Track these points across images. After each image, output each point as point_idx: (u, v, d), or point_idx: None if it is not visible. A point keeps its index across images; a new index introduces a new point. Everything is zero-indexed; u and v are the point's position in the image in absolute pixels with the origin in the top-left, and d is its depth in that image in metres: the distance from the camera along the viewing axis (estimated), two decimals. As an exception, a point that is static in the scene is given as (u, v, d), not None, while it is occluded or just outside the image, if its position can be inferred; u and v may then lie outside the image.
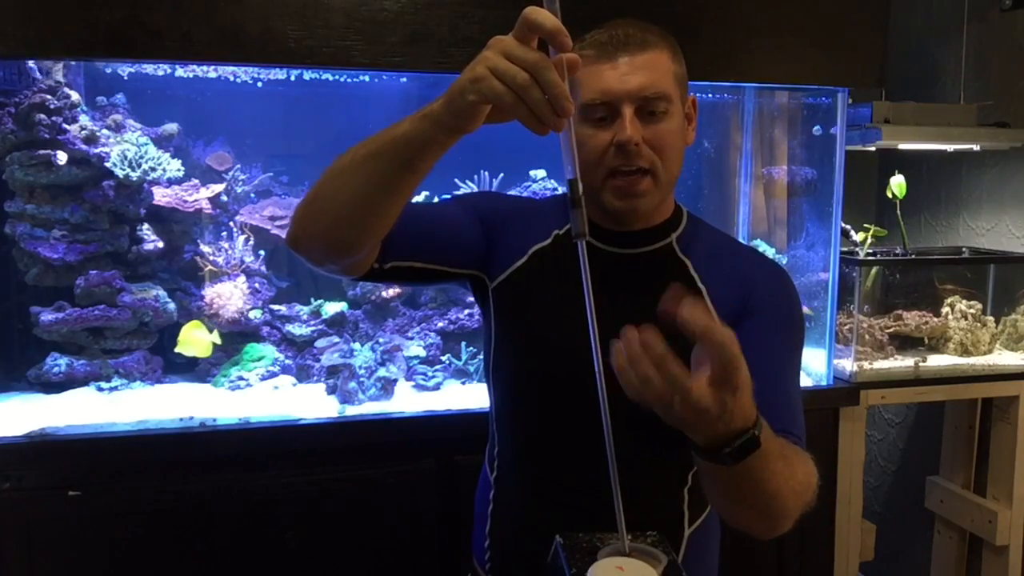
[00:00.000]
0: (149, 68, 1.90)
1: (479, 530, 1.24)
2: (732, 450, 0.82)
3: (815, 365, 2.09)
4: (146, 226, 1.96)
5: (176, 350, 1.94)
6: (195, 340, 1.93)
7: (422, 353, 2.03)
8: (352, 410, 1.79)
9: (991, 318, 2.25)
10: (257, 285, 2.06)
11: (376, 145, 0.91)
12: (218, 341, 1.96)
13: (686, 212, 1.20)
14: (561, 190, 1.97)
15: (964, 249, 2.41)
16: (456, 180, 2.12)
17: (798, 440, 1.02)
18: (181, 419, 1.68)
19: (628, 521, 1.15)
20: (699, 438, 0.81)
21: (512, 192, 2.18)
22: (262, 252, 2.08)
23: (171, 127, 2.02)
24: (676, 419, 0.78)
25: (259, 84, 1.95)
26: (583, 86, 1.05)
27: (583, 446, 1.11)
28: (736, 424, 0.80)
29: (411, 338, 2.08)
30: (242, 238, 2.05)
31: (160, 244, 1.96)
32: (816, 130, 2.14)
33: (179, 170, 1.96)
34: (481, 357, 2.02)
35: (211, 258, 2.01)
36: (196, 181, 2.04)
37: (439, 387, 1.96)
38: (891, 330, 2.21)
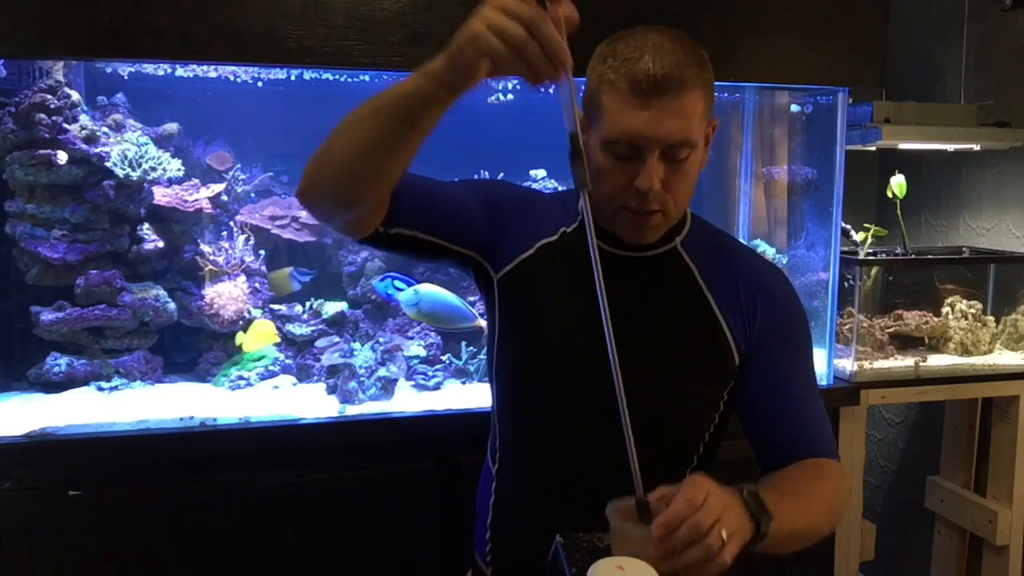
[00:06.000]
0: (149, 68, 1.90)
1: (480, 523, 1.25)
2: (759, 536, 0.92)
3: (815, 365, 2.08)
4: (146, 226, 1.95)
5: (245, 347, 1.96)
6: (261, 334, 1.95)
7: (422, 353, 2.03)
8: (352, 410, 1.79)
9: (991, 318, 2.25)
10: (257, 285, 2.06)
11: (380, 102, 0.95)
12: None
13: (689, 212, 1.20)
14: (561, 189, 1.97)
15: (964, 249, 2.41)
16: (456, 180, 2.12)
17: (828, 453, 1.11)
18: (181, 419, 1.68)
19: None
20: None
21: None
22: (262, 252, 2.08)
23: (171, 127, 2.02)
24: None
25: (259, 84, 1.95)
26: (609, 118, 1.02)
27: (584, 441, 1.12)
28: (734, 510, 0.88)
29: (411, 338, 2.08)
30: (242, 238, 2.05)
31: (160, 244, 1.96)
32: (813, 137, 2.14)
33: (179, 170, 1.96)
34: (482, 357, 2.02)
35: (211, 258, 2.01)
36: (196, 181, 2.04)
37: (439, 387, 1.96)
38: (891, 330, 2.21)
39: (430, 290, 1.98)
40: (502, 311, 1.18)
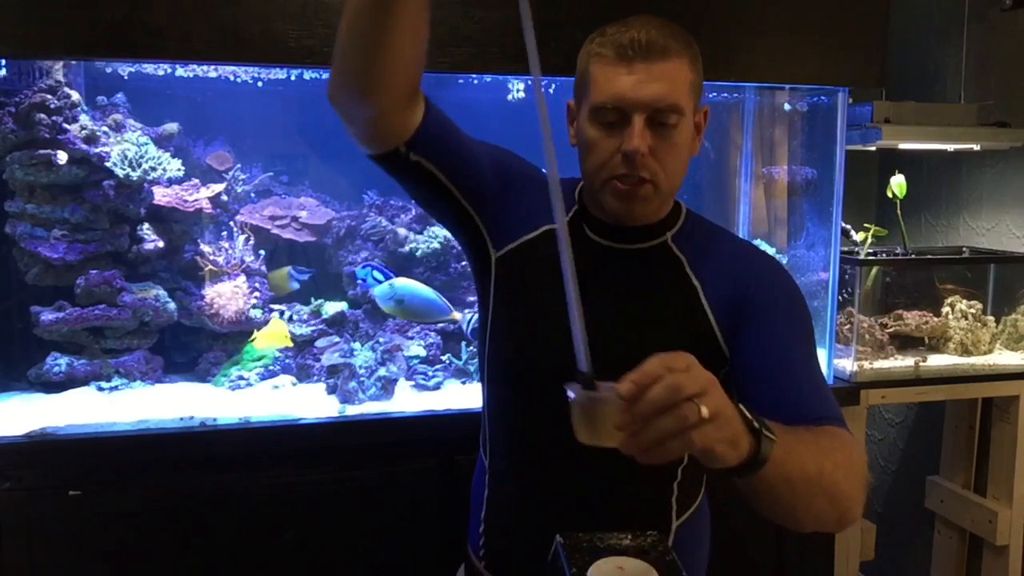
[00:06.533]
0: (149, 68, 1.90)
1: (474, 516, 1.24)
2: (753, 433, 0.81)
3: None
4: (146, 226, 1.96)
5: (257, 344, 1.97)
6: (272, 334, 1.95)
7: (422, 353, 2.03)
8: (352, 410, 1.79)
9: (991, 318, 2.25)
10: (257, 285, 2.06)
11: None
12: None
13: (684, 209, 1.19)
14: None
15: (964, 249, 2.41)
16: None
17: (837, 422, 1.00)
18: (181, 419, 1.68)
19: (616, 514, 1.15)
20: (720, 439, 0.78)
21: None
22: (262, 252, 2.08)
23: (171, 127, 2.02)
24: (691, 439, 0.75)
25: (259, 84, 1.95)
26: (596, 86, 1.04)
27: (573, 437, 1.10)
28: (715, 393, 0.76)
29: (411, 338, 2.08)
30: (242, 238, 2.05)
31: (160, 244, 1.96)
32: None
33: (179, 170, 1.96)
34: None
35: (211, 258, 2.01)
36: (196, 181, 2.04)
37: (439, 387, 1.96)
38: (891, 330, 2.21)
39: (405, 284, 1.98)
40: (497, 294, 1.16)
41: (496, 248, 1.17)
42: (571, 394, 0.81)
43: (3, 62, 1.79)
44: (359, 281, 2.06)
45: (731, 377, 1.12)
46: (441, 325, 2.11)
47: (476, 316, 1.93)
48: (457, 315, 1.98)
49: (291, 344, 1.99)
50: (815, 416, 0.99)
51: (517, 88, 2.05)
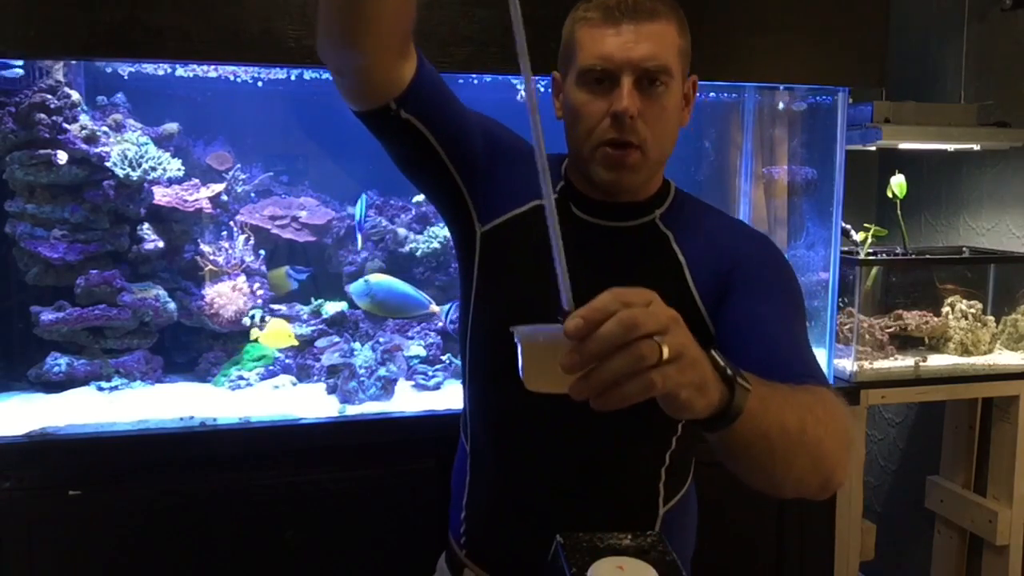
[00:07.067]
0: (149, 68, 1.90)
1: (455, 503, 1.22)
2: (722, 375, 0.74)
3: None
4: (146, 226, 1.96)
5: (262, 342, 1.97)
6: (277, 333, 1.95)
7: (422, 353, 2.03)
8: (352, 410, 1.79)
9: (991, 318, 2.25)
10: (257, 284, 2.06)
11: None
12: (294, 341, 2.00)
13: (674, 188, 1.17)
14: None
15: (964, 249, 2.41)
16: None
17: (818, 381, 0.93)
18: (181, 419, 1.68)
19: (604, 498, 1.13)
20: (685, 384, 0.70)
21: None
22: (262, 252, 2.08)
23: (171, 127, 2.03)
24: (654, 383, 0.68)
25: (259, 84, 1.95)
26: (583, 49, 1.02)
27: (557, 421, 1.06)
28: (677, 332, 0.70)
29: (411, 338, 2.08)
30: (242, 238, 2.05)
31: (160, 244, 1.96)
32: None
33: (179, 170, 1.96)
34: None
35: (211, 258, 2.01)
36: (196, 181, 2.04)
37: (439, 387, 1.96)
38: (891, 330, 2.21)
39: (381, 279, 1.98)
40: (481, 272, 1.13)
41: (482, 222, 1.13)
42: (517, 336, 0.74)
43: (11, 63, 1.79)
44: (359, 213, 2.03)
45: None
46: (441, 324, 2.11)
47: (455, 305, 1.93)
48: (436, 308, 1.99)
49: (296, 344, 1.99)
50: (794, 374, 0.92)
51: (522, 87, 2.05)
